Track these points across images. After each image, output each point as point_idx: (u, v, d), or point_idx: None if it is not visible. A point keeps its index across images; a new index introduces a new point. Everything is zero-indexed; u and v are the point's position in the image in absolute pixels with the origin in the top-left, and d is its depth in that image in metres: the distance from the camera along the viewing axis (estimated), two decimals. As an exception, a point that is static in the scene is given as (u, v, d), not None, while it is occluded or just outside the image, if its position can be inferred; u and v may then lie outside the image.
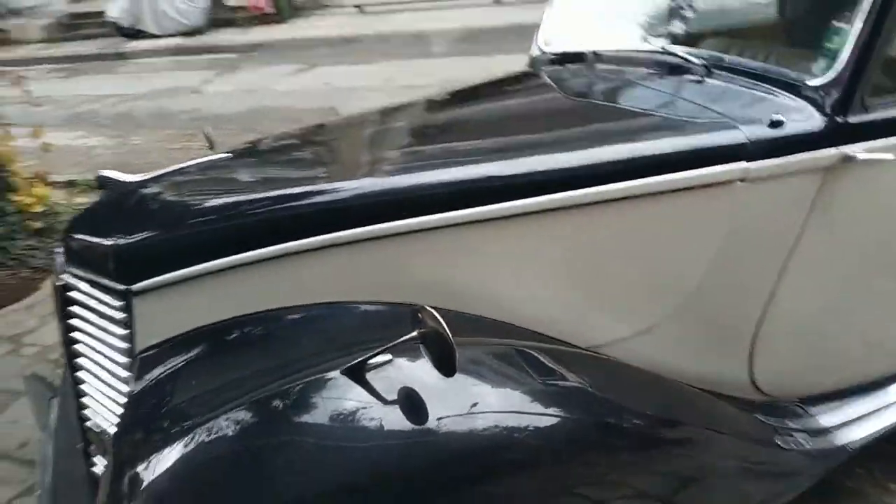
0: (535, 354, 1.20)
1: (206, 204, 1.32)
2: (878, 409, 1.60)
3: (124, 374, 1.24)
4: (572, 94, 1.86)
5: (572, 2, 2.23)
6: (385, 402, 0.93)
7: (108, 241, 1.24)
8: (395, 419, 0.92)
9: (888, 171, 1.41)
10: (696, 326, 1.48)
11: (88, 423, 1.39)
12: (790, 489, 1.39)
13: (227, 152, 1.54)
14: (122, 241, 1.23)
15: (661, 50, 1.76)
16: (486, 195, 1.33)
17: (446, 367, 0.88)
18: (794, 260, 1.45)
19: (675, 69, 1.70)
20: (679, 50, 1.70)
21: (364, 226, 1.27)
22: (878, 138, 1.39)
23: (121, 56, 10.42)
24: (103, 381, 1.32)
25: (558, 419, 1.11)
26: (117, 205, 1.38)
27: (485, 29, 7.92)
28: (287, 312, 1.22)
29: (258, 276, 1.25)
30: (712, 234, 1.42)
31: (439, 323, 0.87)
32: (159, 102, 7.26)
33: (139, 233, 1.25)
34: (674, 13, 1.85)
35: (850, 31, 1.36)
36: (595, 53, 1.96)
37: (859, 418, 1.58)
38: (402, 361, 0.97)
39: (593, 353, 1.37)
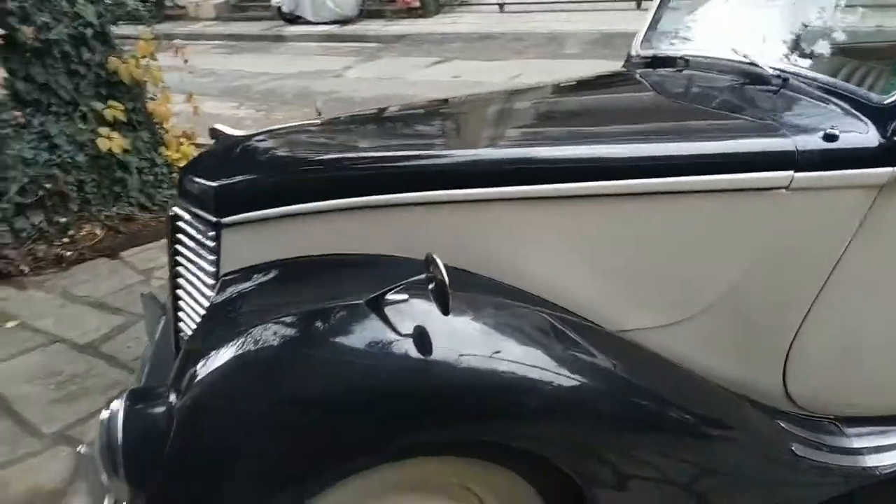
0: (555, 322, 1.31)
1: (291, 158, 1.55)
2: (920, 441, 1.56)
3: (209, 293, 1.49)
4: (651, 92, 1.93)
5: (673, 11, 2.28)
6: (393, 328, 1.11)
7: (208, 182, 1.48)
8: (399, 343, 1.10)
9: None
10: (729, 326, 1.51)
11: (181, 334, 1.67)
12: (795, 499, 1.41)
13: (324, 119, 1.76)
14: (219, 182, 1.47)
15: (743, 60, 1.80)
16: (543, 175, 1.44)
17: (442, 306, 1.04)
18: (838, 274, 1.45)
19: (755, 79, 1.73)
20: (760, 61, 1.73)
21: (426, 191, 1.43)
22: (940, 162, 1.37)
23: (279, 38, 11.29)
24: (194, 299, 1.58)
25: (574, 382, 1.20)
26: (222, 153, 1.64)
27: (621, 33, 7.81)
28: (341, 257, 1.41)
29: (325, 224, 1.44)
30: (753, 238, 1.45)
31: (440, 269, 1.02)
32: (304, 82, 7.86)
33: (234, 177, 1.49)
34: (761, 27, 1.87)
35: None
36: (684, 58, 2.02)
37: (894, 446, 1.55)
38: (414, 300, 1.13)
39: (617, 334, 1.46)
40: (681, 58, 2.03)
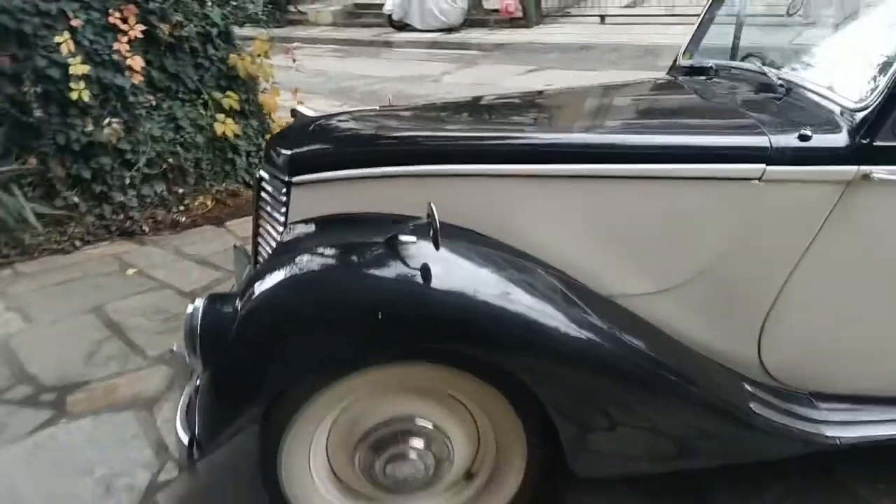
0: (543, 272, 1.60)
1: (348, 134, 1.93)
2: (884, 420, 1.70)
3: (279, 238, 1.87)
4: (673, 95, 2.18)
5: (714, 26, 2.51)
6: (400, 258, 1.45)
7: (285, 150, 1.87)
8: (402, 270, 1.44)
9: (907, 195, 1.55)
10: (708, 299, 1.72)
11: (258, 273, 2.06)
12: (749, 452, 1.61)
13: (383, 107, 2.13)
14: (292, 151, 1.85)
15: (757, 70, 2.01)
16: (549, 157, 1.74)
17: (434, 243, 1.36)
18: (808, 260, 1.64)
19: (765, 86, 1.95)
20: (769, 71, 1.95)
21: (449, 164, 1.75)
22: (905, 164, 1.54)
23: (387, 44, 11.92)
24: (268, 243, 1.97)
25: (543, 319, 1.48)
26: (298, 129, 2.03)
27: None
28: (377, 215, 1.74)
29: (369, 187, 1.79)
30: (730, 222, 1.66)
31: (434, 215, 1.35)
32: (403, 85, 8.34)
33: (304, 147, 1.88)
34: (779, 43, 2.09)
35: (893, 65, 1.54)
36: (714, 68, 2.26)
37: (863, 422, 1.70)
38: (420, 240, 1.46)
39: (604, 296, 1.71)
40: (711, 67, 2.26)
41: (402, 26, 12.37)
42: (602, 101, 2.27)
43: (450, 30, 11.69)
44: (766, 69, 1.95)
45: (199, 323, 1.49)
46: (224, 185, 4.36)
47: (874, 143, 1.55)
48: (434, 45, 11.19)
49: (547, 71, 8.29)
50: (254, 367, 1.45)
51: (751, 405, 1.65)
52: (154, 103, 3.98)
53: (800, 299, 1.69)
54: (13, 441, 2.28)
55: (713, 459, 1.67)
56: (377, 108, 2.10)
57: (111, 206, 3.88)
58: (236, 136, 4.32)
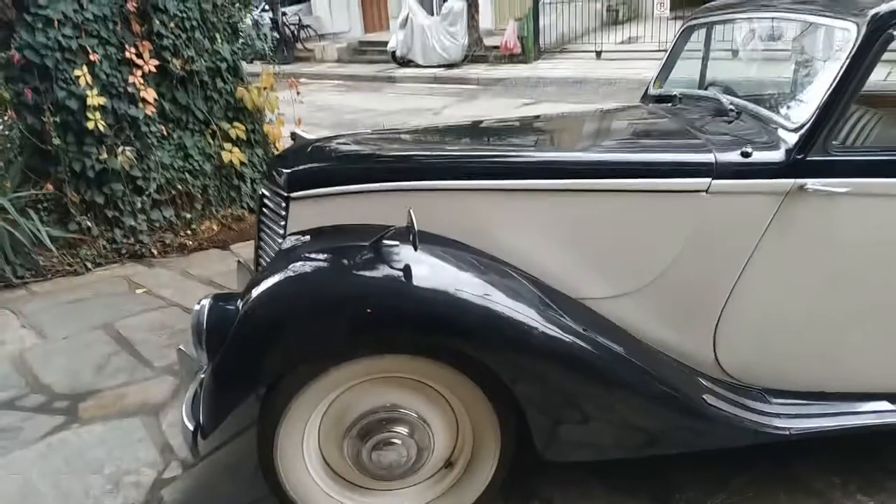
0: (512, 273, 1.78)
1: (339, 154, 2.13)
2: (831, 413, 1.86)
3: (278, 247, 2.06)
4: (639, 120, 2.39)
5: (681, 59, 2.73)
6: (383, 259, 1.62)
7: (284, 169, 2.07)
8: (386, 269, 1.61)
9: (838, 204, 1.73)
10: (666, 302, 1.89)
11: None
12: (704, 440, 1.77)
13: (373, 131, 2.34)
14: (291, 169, 2.05)
15: (713, 97, 2.22)
16: (522, 173, 1.92)
17: (413, 244, 1.54)
18: (752, 264, 1.82)
19: (719, 111, 2.15)
20: (722, 98, 2.15)
21: (434, 180, 1.94)
22: (835, 177, 1.72)
23: (390, 79, 12.27)
24: (268, 254, 2.16)
25: (512, 313, 1.63)
26: (297, 151, 2.23)
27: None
28: (366, 226, 1.92)
29: (359, 201, 1.98)
30: (682, 231, 1.84)
31: (412, 221, 1.53)
32: (405, 118, 8.62)
33: (301, 166, 2.08)
34: (733, 73, 2.30)
35: (823, 92, 1.73)
36: (678, 96, 2.47)
37: (812, 415, 1.85)
38: (401, 244, 1.64)
39: (572, 297, 1.89)
40: (675, 95, 2.48)
41: (406, 62, 12.75)
42: (572, 125, 2.48)
43: (451, 65, 12.05)
44: (721, 96, 2.16)
45: (205, 319, 1.67)
46: (230, 210, 4.57)
47: (807, 159, 1.73)
48: (436, 79, 11.53)
49: (543, 104, 8.57)
50: (253, 356, 1.62)
51: (704, 398, 1.80)
52: (165, 133, 4.22)
53: (747, 302, 1.86)
54: (28, 444, 2.44)
55: (672, 447, 1.82)
56: (369, 131, 2.31)
57: (122, 230, 4.08)
58: (242, 164, 4.55)
